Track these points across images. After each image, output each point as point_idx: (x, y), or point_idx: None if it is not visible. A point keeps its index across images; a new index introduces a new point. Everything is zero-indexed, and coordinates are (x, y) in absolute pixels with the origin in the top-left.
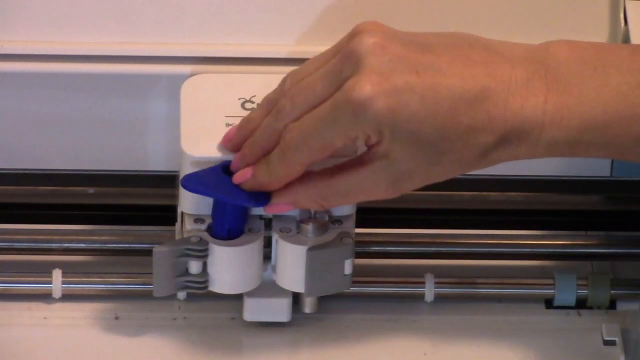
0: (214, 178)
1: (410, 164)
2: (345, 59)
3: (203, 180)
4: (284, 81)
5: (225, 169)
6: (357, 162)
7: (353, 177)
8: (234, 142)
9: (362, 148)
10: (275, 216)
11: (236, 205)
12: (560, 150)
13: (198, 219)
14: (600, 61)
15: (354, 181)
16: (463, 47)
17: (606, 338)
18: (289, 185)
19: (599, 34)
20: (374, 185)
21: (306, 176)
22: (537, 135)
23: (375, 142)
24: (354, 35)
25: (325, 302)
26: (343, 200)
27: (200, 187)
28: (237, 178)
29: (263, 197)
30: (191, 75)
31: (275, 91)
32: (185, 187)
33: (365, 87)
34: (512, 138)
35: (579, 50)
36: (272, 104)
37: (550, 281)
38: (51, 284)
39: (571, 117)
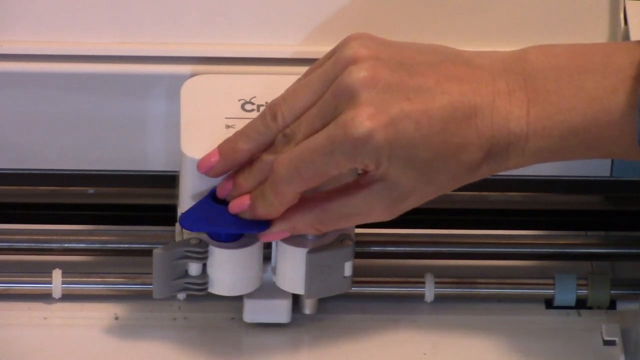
0: (209, 210)
1: (407, 185)
2: (338, 95)
3: (200, 216)
4: (274, 115)
5: (215, 197)
6: (353, 186)
7: (350, 201)
8: (216, 171)
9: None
10: None
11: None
12: (546, 157)
13: None
14: (575, 67)
15: (350, 204)
16: (446, 64)
17: (606, 338)
18: (286, 213)
19: (599, 34)
20: (371, 208)
21: (302, 202)
22: (523, 146)
23: (373, 168)
24: (342, 63)
25: (325, 302)
26: (340, 224)
27: (199, 224)
28: (234, 208)
29: (263, 222)
30: (191, 75)
31: (264, 123)
32: (185, 227)
33: (364, 122)
34: (498, 151)
35: (554, 57)
36: (262, 137)
37: (550, 281)
38: (51, 284)
39: (552, 126)
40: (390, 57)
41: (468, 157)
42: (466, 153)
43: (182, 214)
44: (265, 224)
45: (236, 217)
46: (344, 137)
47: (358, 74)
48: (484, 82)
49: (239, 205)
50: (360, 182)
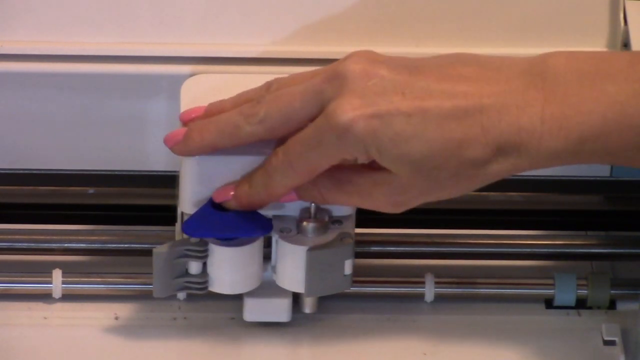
0: (211, 216)
1: (406, 179)
2: (329, 80)
3: (202, 222)
4: (267, 84)
5: (214, 204)
6: (365, 166)
7: (356, 176)
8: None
9: None
10: (276, 216)
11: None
12: (565, 160)
13: None
14: (597, 72)
15: (355, 181)
16: (456, 66)
17: (606, 338)
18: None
19: (599, 34)
20: (373, 191)
21: None
22: (536, 146)
23: (364, 159)
24: (341, 60)
25: (325, 302)
26: (344, 197)
27: (202, 231)
28: (218, 196)
29: (265, 224)
30: (191, 75)
31: (254, 90)
32: (189, 234)
33: (346, 111)
34: (509, 149)
35: (576, 61)
36: (245, 102)
37: (550, 281)
38: (51, 284)
39: (570, 127)
40: (393, 60)
41: (472, 154)
42: (470, 150)
43: (185, 221)
44: (267, 227)
45: (238, 222)
46: (328, 127)
47: (354, 66)
48: (495, 82)
49: (223, 194)
50: (372, 164)
